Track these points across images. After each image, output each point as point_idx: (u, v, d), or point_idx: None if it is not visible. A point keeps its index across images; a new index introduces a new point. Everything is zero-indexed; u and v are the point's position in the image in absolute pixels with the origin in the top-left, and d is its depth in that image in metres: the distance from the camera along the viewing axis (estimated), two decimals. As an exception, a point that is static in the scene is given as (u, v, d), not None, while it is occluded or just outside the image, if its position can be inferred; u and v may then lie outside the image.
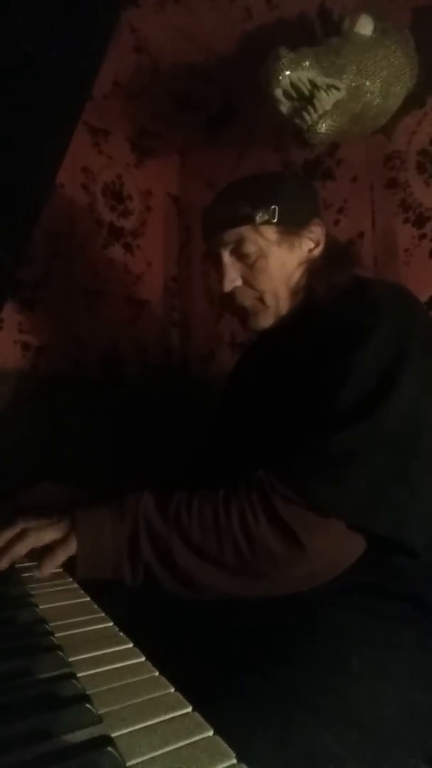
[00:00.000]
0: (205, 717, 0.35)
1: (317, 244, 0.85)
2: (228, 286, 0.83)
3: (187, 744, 0.32)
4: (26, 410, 1.43)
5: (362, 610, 0.65)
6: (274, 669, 0.58)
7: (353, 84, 1.09)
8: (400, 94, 1.15)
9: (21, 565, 0.65)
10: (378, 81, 1.11)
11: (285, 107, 1.13)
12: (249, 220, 0.80)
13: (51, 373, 1.51)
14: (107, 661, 0.42)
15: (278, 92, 1.09)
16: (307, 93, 1.09)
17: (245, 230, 0.81)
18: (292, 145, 1.44)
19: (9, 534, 0.65)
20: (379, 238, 1.25)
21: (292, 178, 1.03)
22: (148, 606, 0.69)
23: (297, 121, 1.14)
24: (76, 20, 0.90)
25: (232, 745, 0.32)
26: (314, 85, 1.08)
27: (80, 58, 0.96)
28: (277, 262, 0.82)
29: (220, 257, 0.83)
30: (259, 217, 0.79)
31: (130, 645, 0.45)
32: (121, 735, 0.33)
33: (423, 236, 1.16)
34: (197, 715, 0.35)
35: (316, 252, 0.85)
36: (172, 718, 0.35)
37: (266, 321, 0.84)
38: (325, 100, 1.09)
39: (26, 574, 0.62)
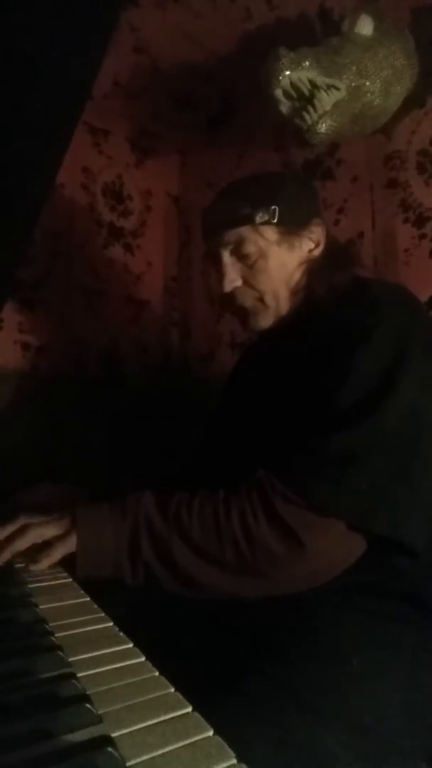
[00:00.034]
0: (205, 717, 0.35)
1: (317, 245, 0.85)
2: (228, 287, 0.83)
3: (187, 744, 0.32)
4: (26, 410, 1.43)
5: (362, 610, 0.65)
6: (274, 669, 0.58)
7: (353, 84, 1.09)
8: (400, 94, 1.15)
9: (21, 565, 0.65)
10: (378, 81, 1.11)
11: (285, 107, 1.13)
12: (249, 220, 0.80)
13: (51, 373, 1.51)
14: (107, 661, 0.42)
15: (278, 92, 1.09)
16: (307, 93, 1.09)
17: (245, 230, 0.81)
18: (292, 145, 1.44)
19: (10, 529, 0.66)
20: (379, 238, 1.25)
21: (292, 178, 1.02)
22: (148, 606, 0.69)
23: (297, 121, 1.14)
24: (76, 20, 0.90)
25: (232, 745, 0.32)
26: (314, 85, 1.08)
27: (80, 58, 0.96)
28: (277, 263, 0.82)
29: (220, 257, 0.83)
30: (259, 217, 0.79)
31: (130, 645, 0.45)
32: (121, 735, 0.33)
33: (423, 236, 1.16)
34: (197, 715, 0.35)
35: (317, 252, 0.85)
36: (172, 718, 0.35)
37: (266, 321, 0.84)
38: (325, 100, 1.09)
39: (26, 575, 0.62)
